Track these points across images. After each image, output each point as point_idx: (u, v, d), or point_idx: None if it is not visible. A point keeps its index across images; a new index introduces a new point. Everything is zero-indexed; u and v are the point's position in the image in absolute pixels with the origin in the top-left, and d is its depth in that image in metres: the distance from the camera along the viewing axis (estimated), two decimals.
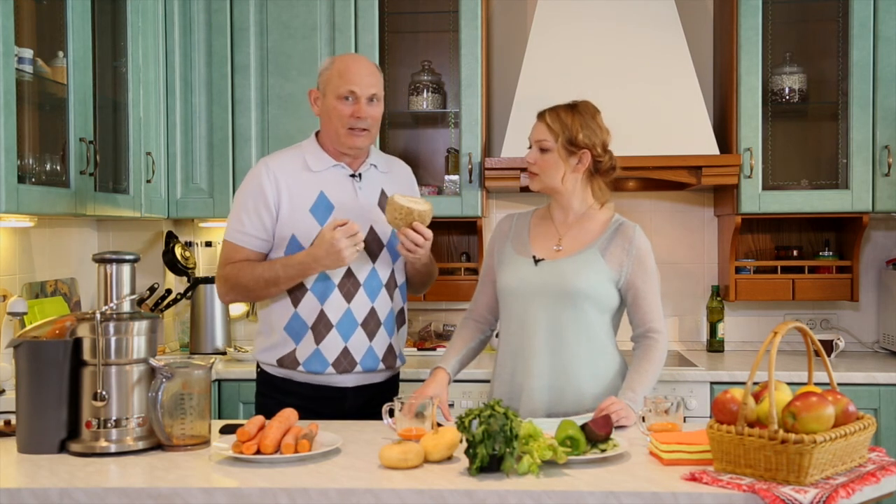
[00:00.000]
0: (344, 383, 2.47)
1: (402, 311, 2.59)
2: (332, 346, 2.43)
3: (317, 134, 2.54)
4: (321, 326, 2.42)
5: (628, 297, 2.38)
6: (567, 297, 2.33)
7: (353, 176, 2.49)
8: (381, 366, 2.50)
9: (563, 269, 2.35)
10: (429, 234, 2.35)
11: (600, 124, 2.41)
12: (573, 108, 2.40)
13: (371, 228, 2.46)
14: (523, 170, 3.36)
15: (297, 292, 2.43)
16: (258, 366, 2.57)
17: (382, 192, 2.52)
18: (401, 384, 3.23)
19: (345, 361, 2.44)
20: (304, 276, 2.38)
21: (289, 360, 2.45)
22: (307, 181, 2.44)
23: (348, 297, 2.43)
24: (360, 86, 2.40)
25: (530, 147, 2.43)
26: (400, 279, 2.56)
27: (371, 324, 2.46)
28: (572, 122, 2.36)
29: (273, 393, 2.48)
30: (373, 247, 2.46)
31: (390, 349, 2.52)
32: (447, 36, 3.67)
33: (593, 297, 2.33)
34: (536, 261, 2.39)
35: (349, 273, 2.42)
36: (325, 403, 2.43)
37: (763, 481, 1.68)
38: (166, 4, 3.38)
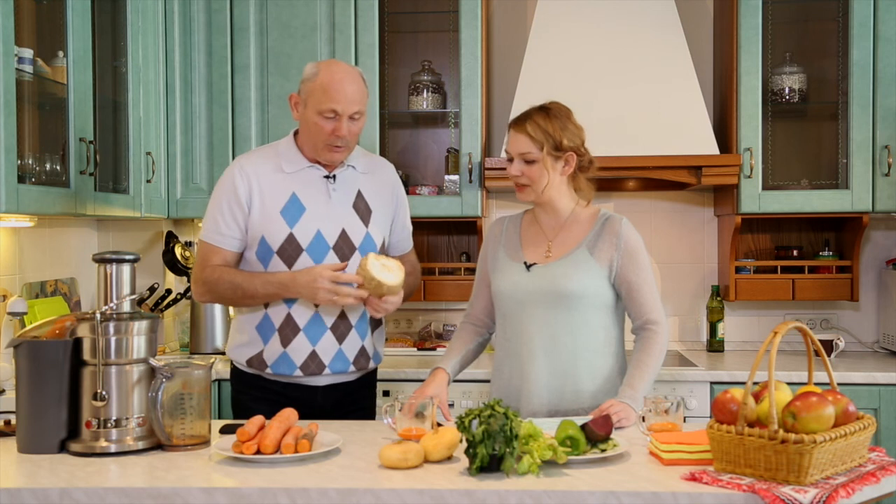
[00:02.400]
0: (314, 383, 2.46)
1: None
2: (299, 349, 2.41)
3: (294, 133, 2.50)
4: (288, 330, 2.40)
5: (622, 291, 2.37)
6: (560, 300, 2.33)
7: (327, 177, 2.46)
8: (352, 368, 2.48)
9: (553, 272, 2.35)
10: (395, 302, 2.35)
11: (576, 123, 2.39)
12: (548, 112, 2.37)
13: (343, 231, 2.43)
14: None
15: None
16: (231, 362, 2.57)
17: (359, 194, 2.49)
18: (401, 384, 3.23)
19: (312, 364, 2.42)
20: (282, 296, 2.37)
21: (257, 361, 2.44)
22: (280, 182, 2.42)
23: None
24: (342, 104, 2.33)
25: (510, 159, 2.38)
26: None
27: (341, 327, 2.44)
28: (554, 129, 2.33)
29: (246, 389, 2.49)
30: (344, 250, 2.43)
31: (362, 351, 2.49)
32: (447, 36, 3.67)
33: (586, 297, 2.33)
34: (528, 266, 2.39)
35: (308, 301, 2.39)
36: (296, 401, 2.36)
37: (763, 481, 1.68)
38: (166, 4, 3.38)
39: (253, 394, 2.41)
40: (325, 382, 2.46)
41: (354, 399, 2.51)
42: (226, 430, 2.16)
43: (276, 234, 2.39)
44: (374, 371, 2.64)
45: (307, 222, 2.40)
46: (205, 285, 2.43)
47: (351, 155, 2.49)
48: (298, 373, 2.42)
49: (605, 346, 2.37)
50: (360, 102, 2.37)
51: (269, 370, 2.43)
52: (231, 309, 3.68)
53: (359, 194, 2.49)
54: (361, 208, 2.48)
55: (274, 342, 2.42)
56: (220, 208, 2.42)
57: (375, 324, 2.54)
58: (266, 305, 2.42)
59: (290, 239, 2.39)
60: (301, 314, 2.41)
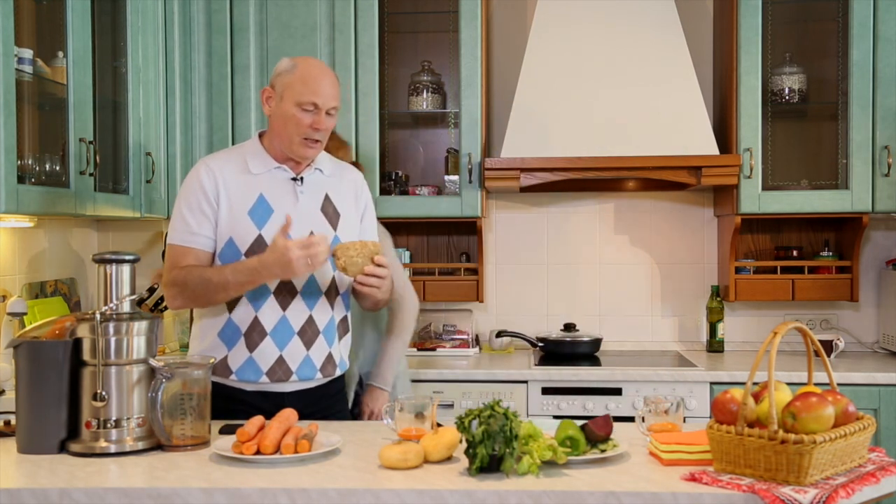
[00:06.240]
0: (280, 389, 2.39)
1: (344, 318, 2.49)
2: (266, 354, 2.35)
3: (260, 135, 2.46)
4: (255, 334, 2.34)
5: None
6: None
7: (294, 180, 2.41)
8: (319, 375, 2.41)
9: None
10: (385, 262, 2.30)
11: None
12: None
13: (311, 234, 2.35)
14: (523, 170, 3.37)
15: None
16: None
17: (326, 197, 2.45)
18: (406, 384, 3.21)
19: (280, 370, 2.36)
20: (255, 282, 2.29)
21: (221, 368, 2.36)
22: (247, 183, 2.37)
23: (284, 304, 2.35)
24: (323, 97, 2.33)
25: None
26: (342, 287, 2.46)
27: (309, 332, 2.38)
28: None
29: (213, 399, 2.25)
30: None
31: (329, 358, 2.43)
32: (447, 36, 3.67)
33: None
34: None
35: (286, 279, 2.34)
36: (263, 411, 2.27)
37: (763, 481, 1.68)
38: (166, 4, 3.38)
39: (219, 403, 2.28)
40: (291, 389, 2.40)
41: (322, 407, 2.43)
42: (226, 431, 2.16)
43: (244, 236, 2.34)
44: (341, 378, 2.56)
45: (275, 224, 2.34)
46: (175, 287, 2.33)
47: (318, 158, 2.46)
48: (265, 379, 2.35)
49: None
50: (337, 98, 2.39)
51: (233, 376, 2.36)
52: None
53: (326, 198, 2.45)
54: (329, 212, 2.44)
55: (240, 347, 2.35)
56: (190, 207, 2.35)
57: (342, 331, 2.49)
58: (230, 310, 2.36)
59: (259, 241, 2.33)
60: (268, 317, 2.35)
